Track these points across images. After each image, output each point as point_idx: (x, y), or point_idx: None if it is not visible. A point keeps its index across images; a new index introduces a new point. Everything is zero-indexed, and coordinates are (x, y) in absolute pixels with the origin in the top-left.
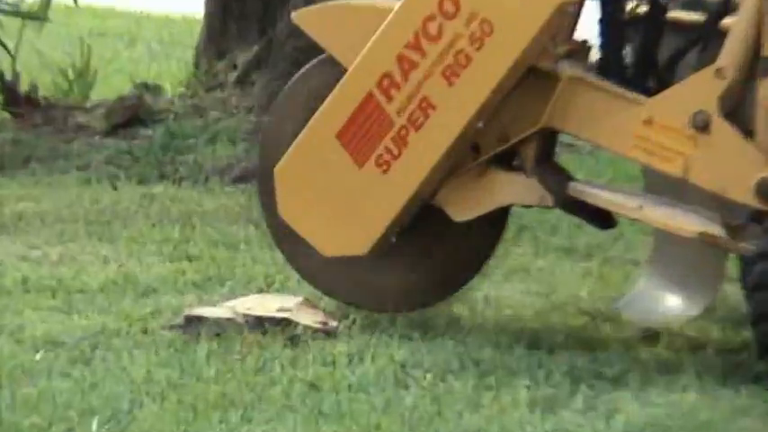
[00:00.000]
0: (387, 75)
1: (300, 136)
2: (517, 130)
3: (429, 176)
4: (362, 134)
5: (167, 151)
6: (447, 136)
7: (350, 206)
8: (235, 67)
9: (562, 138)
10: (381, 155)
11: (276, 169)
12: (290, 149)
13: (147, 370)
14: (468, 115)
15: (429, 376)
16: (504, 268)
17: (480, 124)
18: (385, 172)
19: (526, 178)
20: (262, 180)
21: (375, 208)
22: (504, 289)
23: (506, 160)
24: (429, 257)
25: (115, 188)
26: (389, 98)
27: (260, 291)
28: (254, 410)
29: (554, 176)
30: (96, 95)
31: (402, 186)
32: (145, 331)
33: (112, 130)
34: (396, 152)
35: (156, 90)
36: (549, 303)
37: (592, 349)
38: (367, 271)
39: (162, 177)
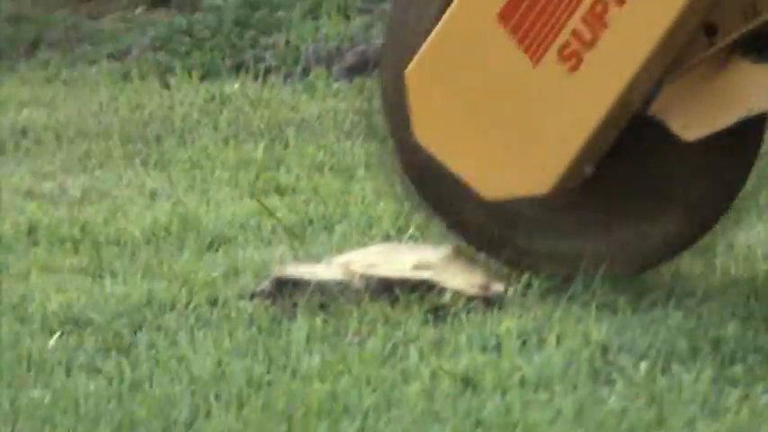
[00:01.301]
0: None
1: (443, 20)
2: None
3: (641, 73)
4: (537, 13)
5: (246, 29)
6: (669, 7)
7: (521, 123)
8: None
9: None
10: (567, 43)
11: (408, 71)
12: (428, 41)
13: (218, 361)
14: None
15: (644, 365)
16: (760, 200)
17: None
18: (574, 69)
19: None
20: (387, 81)
21: (560, 123)
22: (759, 232)
23: (758, 46)
24: (646, 197)
25: (167, 86)
26: None
27: (387, 239)
28: (380, 420)
29: None
30: None
31: (601, 89)
32: (213, 302)
33: None
34: (589, 37)
35: None
36: None
37: None
38: (553, 219)
39: (238, 69)
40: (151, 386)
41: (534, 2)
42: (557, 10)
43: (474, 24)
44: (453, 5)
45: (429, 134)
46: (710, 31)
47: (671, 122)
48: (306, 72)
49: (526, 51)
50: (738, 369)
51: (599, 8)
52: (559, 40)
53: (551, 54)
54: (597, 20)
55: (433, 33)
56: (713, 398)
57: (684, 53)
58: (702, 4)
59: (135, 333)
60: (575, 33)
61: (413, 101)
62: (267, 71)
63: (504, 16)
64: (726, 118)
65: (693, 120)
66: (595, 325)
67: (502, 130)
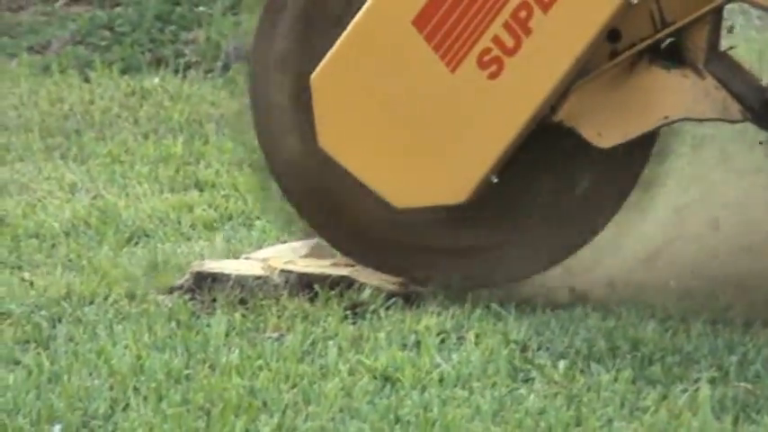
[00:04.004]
0: None
1: (352, 24)
2: (684, 8)
3: (563, 80)
4: (456, 19)
5: (166, 24)
6: (596, 14)
7: (437, 131)
8: None
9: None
10: (488, 50)
11: (314, 76)
12: (336, 45)
13: (137, 355)
14: None
15: (563, 364)
16: (678, 193)
17: None
18: (494, 76)
19: (698, 79)
20: (257, 93)
21: (478, 131)
22: (678, 228)
23: (660, 53)
24: (550, 201)
25: (87, 80)
26: None
27: (307, 235)
28: (298, 416)
29: (738, 75)
30: None
31: (522, 96)
32: (132, 296)
33: None
34: (511, 45)
35: None
36: (743, 250)
37: None
38: (450, 228)
39: (158, 64)
40: (70, 379)
41: (452, 8)
42: (477, 16)
43: (388, 28)
44: (363, 10)
45: (335, 141)
46: (613, 36)
47: (583, 130)
48: (226, 68)
49: (443, 58)
50: (657, 369)
51: (523, 14)
52: (479, 47)
53: (470, 61)
54: (521, 26)
55: (341, 37)
56: (631, 398)
57: (590, 61)
58: (622, 12)
59: (54, 326)
60: (496, 40)
61: (317, 106)
62: (187, 66)
63: (419, 22)
64: (642, 125)
65: (607, 127)
66: (514, 323)
67: (415, 138)
